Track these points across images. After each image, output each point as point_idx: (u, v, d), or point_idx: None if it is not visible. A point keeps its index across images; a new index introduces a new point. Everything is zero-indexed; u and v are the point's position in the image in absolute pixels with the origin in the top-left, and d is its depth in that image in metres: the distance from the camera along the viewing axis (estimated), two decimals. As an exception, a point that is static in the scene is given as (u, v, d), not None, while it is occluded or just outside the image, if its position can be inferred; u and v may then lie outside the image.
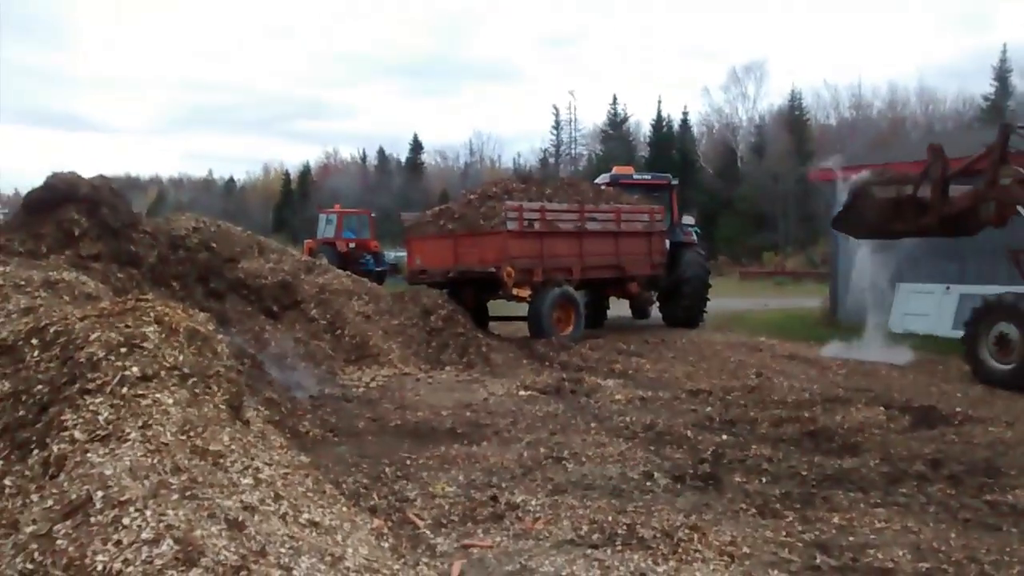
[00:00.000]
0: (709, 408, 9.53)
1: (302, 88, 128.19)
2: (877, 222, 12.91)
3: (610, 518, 5.65)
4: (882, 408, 9.33)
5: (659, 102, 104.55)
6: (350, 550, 4.10)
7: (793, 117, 60.79)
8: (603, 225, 15.85)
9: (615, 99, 79.78)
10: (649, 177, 20.06)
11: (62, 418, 4.45)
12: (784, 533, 5.52)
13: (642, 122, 69.62)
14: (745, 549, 5.19)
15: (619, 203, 16.46)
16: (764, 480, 6.79)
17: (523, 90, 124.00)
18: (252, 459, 4.53)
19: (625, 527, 5.46)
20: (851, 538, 5.44)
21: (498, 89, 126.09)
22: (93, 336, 4.95)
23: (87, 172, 10.01)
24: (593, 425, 8.63)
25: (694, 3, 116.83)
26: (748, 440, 8.07)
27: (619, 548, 5.16)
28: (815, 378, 11.83)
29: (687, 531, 5.38)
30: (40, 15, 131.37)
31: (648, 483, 6.63)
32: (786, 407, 9.50)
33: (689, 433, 8.23)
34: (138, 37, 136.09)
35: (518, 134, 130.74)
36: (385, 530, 5.20)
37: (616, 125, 68.27)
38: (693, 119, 66.13)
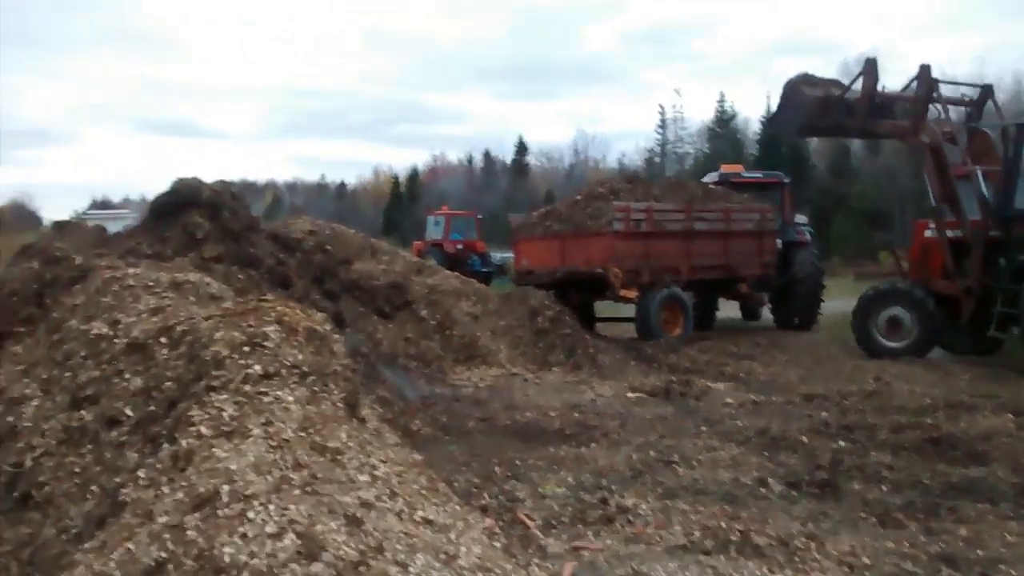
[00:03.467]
0: (825, 413, 9.23)
1: (403, 93, 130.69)
2: (807, 117, 14.00)
3: (723, 524, 5.54)
4: (1011, 415, 8.85)
5: (768, 98, 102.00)
6: (463, 549, 4.14)
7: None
8: (712, 225, 15.62)
9: (722, 96, 78.27)
10: (760, 175, 19.64)
11: (189, 414, 4.63)
12: (907, 544, 5.30)
13: (751, 119, 68.12)
14: (865, 560, 5.01)
15: (728, 202, 16.18)
16: (884, 488, 6.55)
17: (627, 89, 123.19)
18: (368, 456, 4.62)
19: (739, 534, 5.35)
20: (980, 552, 5.19)
21: (601, 88, 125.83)
22: (218, 335, 5.14)
23: (206, 178, 10.44)
24: (704, 429, 8.49)
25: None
26: (867, 447, 7.79)
27: (733, 555, 5.07)
28: (937, 382, 11.34)
29: (804, 539, 5.24)
30: (154, 28, 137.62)
31: (762, 489, 6.48)
32: (906, 413, 9.12)
33: (804, 439, 8.00)
34: (245, 47, 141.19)
35: (622, 133, 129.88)
36: (496, 530, 5.23)
37: (723, 123, 66.99)
38: (804, 115, 64.21)
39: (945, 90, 13.57)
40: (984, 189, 12.28)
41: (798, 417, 9.07)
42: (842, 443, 7.89)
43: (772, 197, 17.99)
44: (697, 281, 15.62)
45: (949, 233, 12.71)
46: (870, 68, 13.50)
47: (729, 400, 9.96)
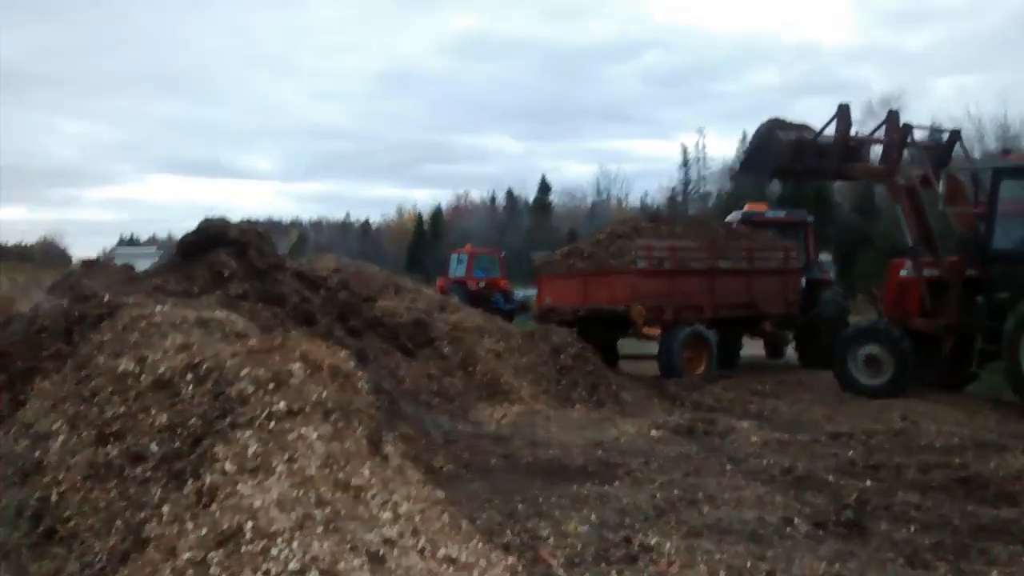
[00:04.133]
0: (851, 452, 9.11)
1: (427, 133, 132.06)
2: (780, 162, 14.14)
3: (748, 564, 5.47)
4: (1042, 455, 8.72)
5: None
6: (486, 587, 4.13)
7: (933, 150, 58.17)
8: (735, 263, 15.59)
9: (745, 135, 78.29)
10: (783, 214, 19.61)
11: (214, 450, 4.67)
12: (937, 586, 5.22)
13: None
14: (894, 601, 4.93)
15: (752, 241, 16.17)
16: (912, 529, 6.44)
17: (648, 129, 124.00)
18: (391, 493, 4.62)
19: (764, 573, 5.29)
20: (1012, 594, 5.10)
21: (623, 128, 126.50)
22: (243, 372, 5.19)
23: (233, 217, 10.61)
24: (728, 467, 8.40)
25: (823, 37, 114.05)
26: (894, 486, 7.67)
27: (758, 595, 5.01)
28: (964, 422, 11.18)
29: (830, 579, 5.17)
30: (182, 71, 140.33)
31: (788, 529, 6.38)
32: (934, 452, 8.99)
33: (830, 478, 7.88)
34: (272, 88, 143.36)
35: (645, 172, 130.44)
36: (519, 568, 5.19)
37: (747, 161, 66.91)
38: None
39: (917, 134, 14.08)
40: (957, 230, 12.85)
41: (824, 456, 8.95)
42: (869, 482, 7.77)
43: (796, 235, 17.95)
44: (721, 319, 15.56)
45: (926, 272, 13.00)
46: (843, 113, 13.75)
47: (754, 438, 9.86)
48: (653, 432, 10.22)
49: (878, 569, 5.55)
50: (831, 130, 13.70)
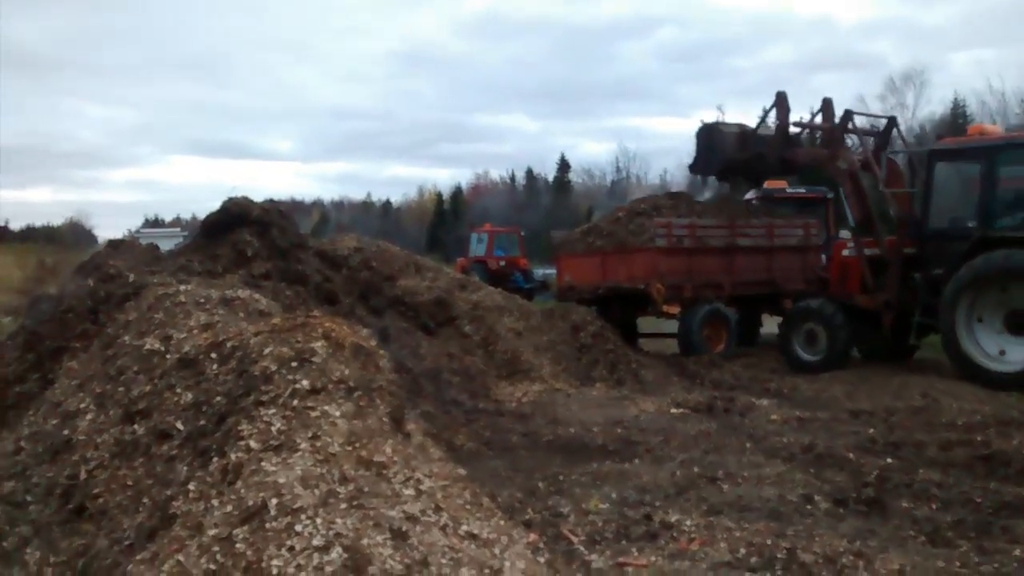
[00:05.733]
0: (871, 430, 9.09)
1: (444, 113, 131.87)
2: (727, 153, 15.21)
3: (769, 541, 5.49)
4: (1066, 433, 8.66)
5: (812, 114, 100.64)
6: (508, 563, 4.16)
7: (956, 126, 57.32)
8: (755, 240, 15.50)
9: (764, 112, 77.43)
10: (803, 191, 19.45)
11: (239, 428, 4.73)
12: (959, 564, 5.21)
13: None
14: (915, 579, 4.95)
15: (771, 218, 16.08)
16: (934, 506, 6.43)
17: (665, 106, 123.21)
18: (413, 471, 4.66)
19: (785, 551, 5.30)
20: (1034, 572, 5.09)
21: (640, 106, 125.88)
22: (266, 351, 5.24)
23: (255, 197, 10.65)
24: (748, 445, 8.42)
25: (838, 11, 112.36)
26: (915, 464, 7.65)
27: (779, 572, 5.03)
28: (986, 399, 11.07)
29: (851, 557, 5.18)
30: (204, 54, 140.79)
31: (808, 506, 6.41)
32: (955, 430, 8.94)
33: (851, 455, 7.87)
34: (291, 70, 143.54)
35: (664, 150, 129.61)
36: (540, 545, 5.24)
37: (766, 138, 66.30)
38: (847, 129, 63.38)
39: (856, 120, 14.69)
40: (892, 210, 13.56)
41: (844, 433, 8.94)
42: (889, 460, 7.77)
43: (816, 212, 17.81)
44: (740, 297, 15.50)
45: (867, 251, 13.55)
46: (781, 100, 14.55)
47: (774, 416, 9.86)
48: (673, 410, 10.25)
49: (899, 547, 5.55)
50: (770, 121, 14.67)
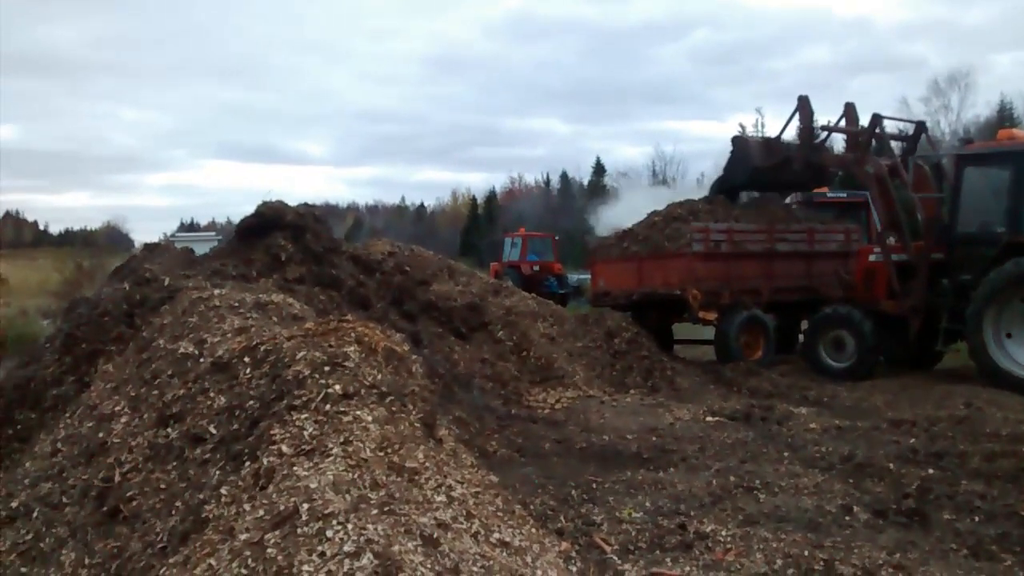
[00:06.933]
0: (913, 439, 8.89)
1: (475, 116, 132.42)
2: (755, 162, 15.18)
3: (806, 552, 5.39)
4: (1114, 444, 8.42)
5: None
6: (539, 572, 4.12)
7: (1001, 129, 56.31)
8: (794, 245, 15.28)
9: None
10: (844, 195, 19.18)
11: (271, 432, 4.73)
12: (1003, 579, 5.08)
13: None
14: (958, 593, 4.81)
15: (811, 222, 15.87)
16: (976, 519, 6.28)
17: (700, 109, 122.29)
18: (445, 477, 4.63)
19: (823, 563, 5.20)
20: (1083, 588, 4.94)
21: (674, 109, 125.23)
22: (299, 355, 5.24)
23: (290, 201, 10.68)
24: (786, 454, 8.28)
25: (876, 12, 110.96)
26: (957, 475, 7.48)
27: (817, 585, 4.93)
28: (1032, 409, 10.86)
29: (891, 570, 5.08)
30: (237, 58, 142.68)
31: (847, 517, 6.28)
32: (1000, 440, 8.71)
33: (891, 465, 7.71)
34: (324, 74, 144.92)
35: (699, 153, 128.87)
36: (573, 553, 5.19)
37: (805, 142, 65.61)
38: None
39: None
40: (920, 215, 13.52)
41: (884, 443, 8.76)
42: (931, 471, 7.59)
43: (857, 217, 17.55)
44: (779, 303, 15.30)
45: (894, 257, 13.49)
46: (804, 103, 14.65)
47: (812, 425, 9.69)
48: (709, 418, 10.12)
49: (941, 560, 5.42)
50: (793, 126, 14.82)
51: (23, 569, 4.89)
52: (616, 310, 14.45)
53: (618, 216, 19.75)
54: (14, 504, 5.49)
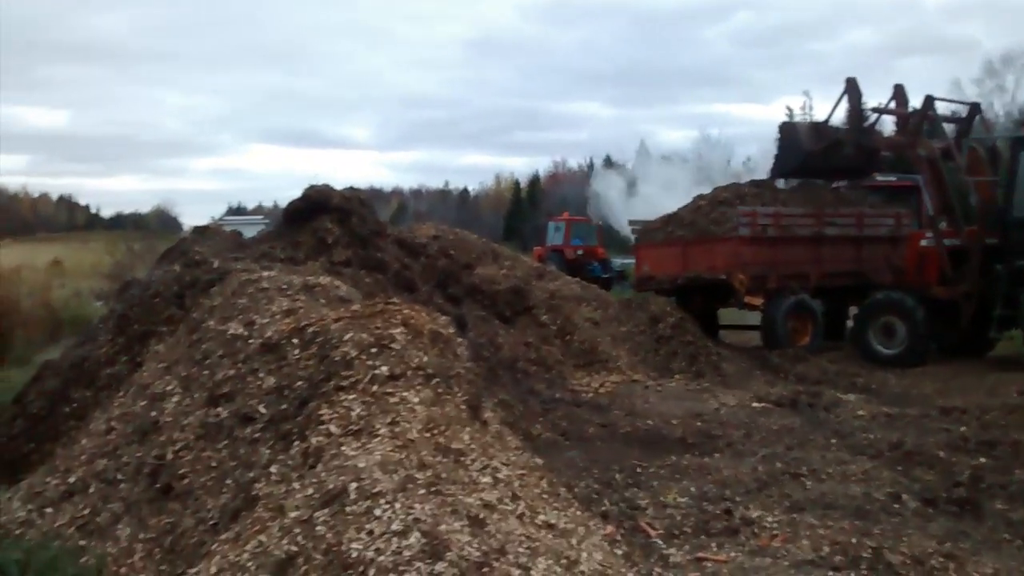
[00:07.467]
0: (964, 428, 8.73)
1: (517, 100, 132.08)
2: (804, 148, 14.91)
3: (854, 540, 5.32)
4: None
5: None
6: (584, 554, 4.12)
7: (1063, 110, 54.79)
8: (843, 230, 15.07)
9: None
10: (894, 179, 18.83)
11: (319, 412, 4.79)
12: (1057, 570, 4.98)
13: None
14: (1010, 584, 4.73)
15: (860, 206, 15.62)
16: (1030, 509, 6.16)
17: (744, 92, 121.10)
18: (490, 459, 4.66)
19: (870, 550, 5.13)
20: None
21: (718, 92, 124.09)
22: (347, 336, 5.29)
23: (335, 185, 10.75)
24: (833, 441, 8.19)
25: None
26: (1010, 464, 7.33)
27: (864, 572, 4.88)
28: (1089, 398, 10.60)
29: (941, 559, 4.99)
30: (282, 43, 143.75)
31: (896, 505, 6.20)
32: (1055, 429, 8.57)
33: (942, 454, 7.59)
34: (367, 58, 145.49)
35: (744, 136, 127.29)
36: (618, 537, 5.19)
37: (854, 125, 64.48)
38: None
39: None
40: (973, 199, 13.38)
41: (935, 431, 8.63)
42: (983, 459, 7.46)
43: (907, 201, 17.23)
44: (827, 288, 15.09)
45: (947, 242, 13.24)
46: (852, 85, 14.48)
47: (860, 412, 9.58)
48: (755, 404, 10.05)
49: (993, 550, 5.34)
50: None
51: (81, 542, 5.02)
52: (660, 295, 14.34)
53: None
54: (72, 479, 5.62)
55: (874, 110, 14.84)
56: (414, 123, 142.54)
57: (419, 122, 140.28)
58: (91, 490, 5.47)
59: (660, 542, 5.39)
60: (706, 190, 16.18)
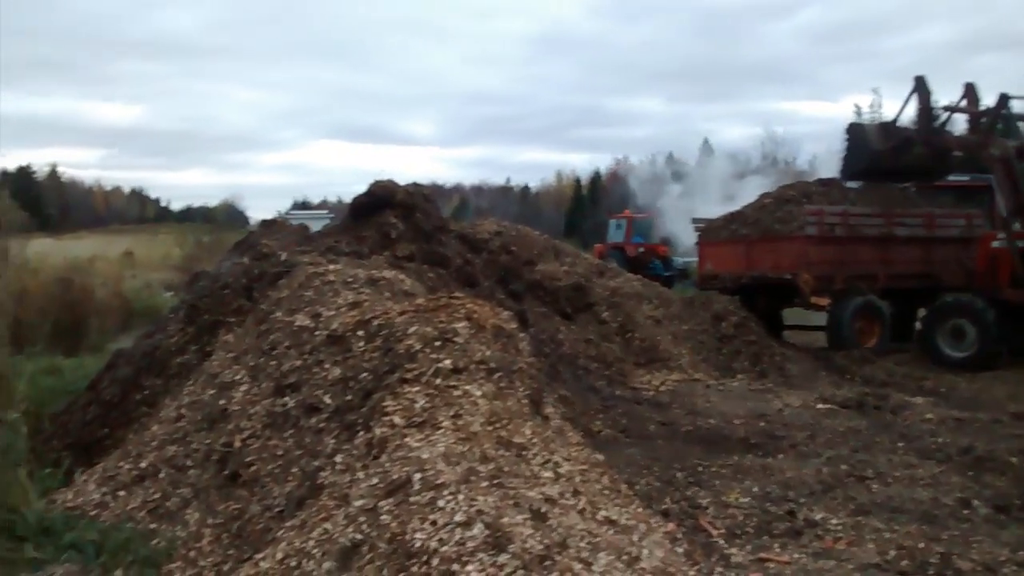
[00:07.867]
0: (1037, 434, 8.52)
1: (579, 97, 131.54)
2: (872, 148, 14.83)
3: (921, 545, 5.22)
4: None
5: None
6: (646, 551, 4.11)
7: None
8: (912, 230, 14.74)
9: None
10: (967, 179, 18.34)
11: (383, 404, 4.85)
12: None
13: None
14: (1087, 595, 4.59)
15: (931, 207, 15.27)
16: (1108, 519, 5.97)
17: (810, 89, 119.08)
18: (552, 453, 4.67)
19: (939, 556, 5.03)
20: None
21: (783, 89, 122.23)
22: (411, 330, 5.35)
23: (399, 180, 10.86)
24: (900, 445, 8.03)
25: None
26: (1086, 473, 7.12)
27: (932, 578, 4.77)
28: None
29: (1014, 567, 4.87)
30: (346, 40, 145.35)
31: (965, 511, 6.06)
32: None
33: (1013, 460, 7.37)
34: (430, 55, 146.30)
35: (810, 134, 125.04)
36: (679, 535, 5.16)
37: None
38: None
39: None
40: None
41: (1006, 437, 8.40)
42: (1058, 467, 7.24)
43: (980, 202, 16.77)
44: (895, 290, 14.78)
45: (1020, 243, 12.97)
46: (921, 84, 14.31)
47: (929, 416, 9.37)
48: (819, 405, 9.90)
49: (1068, 560, 5.17)
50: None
51: (152, 525, 5.16)
52: (724, 294, 14.20)
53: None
54: (143, 464, 5.78)
55: (945, 108, 14.57)
56: (476, 119, 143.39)
57: (481, 118, 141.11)
58: (161, 475, 5.61)
59: (722, 541, 5.35)
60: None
